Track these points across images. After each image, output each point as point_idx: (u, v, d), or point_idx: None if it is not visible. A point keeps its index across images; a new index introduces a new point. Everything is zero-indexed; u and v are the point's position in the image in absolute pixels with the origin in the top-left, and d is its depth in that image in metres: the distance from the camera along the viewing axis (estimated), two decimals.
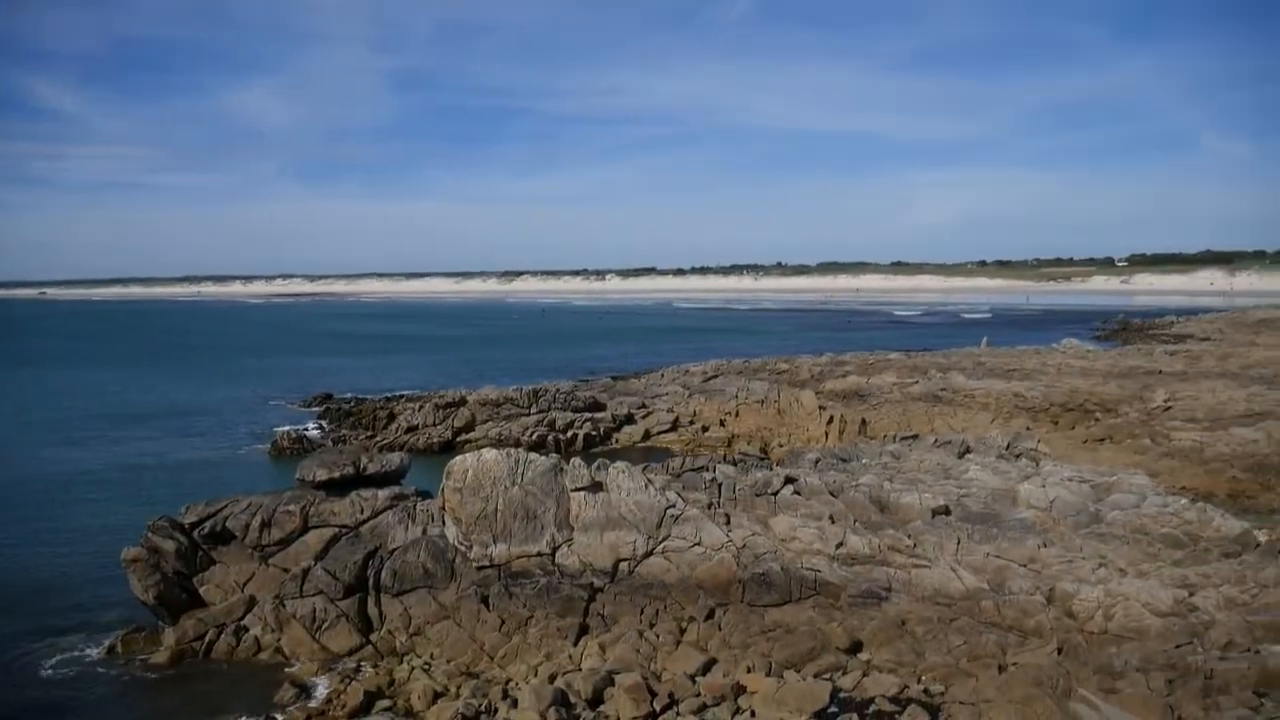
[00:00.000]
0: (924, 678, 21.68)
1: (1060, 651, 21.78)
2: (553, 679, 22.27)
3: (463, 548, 27.16)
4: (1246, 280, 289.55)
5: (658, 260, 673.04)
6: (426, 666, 24.08)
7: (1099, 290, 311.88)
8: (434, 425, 57.66)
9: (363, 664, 24.83)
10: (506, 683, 22.94)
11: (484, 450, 29.04)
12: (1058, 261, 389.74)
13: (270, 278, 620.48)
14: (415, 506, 29.02)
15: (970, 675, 21.18)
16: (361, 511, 28.74)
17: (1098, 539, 27.78)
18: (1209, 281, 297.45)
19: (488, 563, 26.83)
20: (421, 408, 59.91)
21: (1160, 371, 63.43)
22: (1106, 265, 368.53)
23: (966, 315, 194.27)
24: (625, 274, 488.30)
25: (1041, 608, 23.45)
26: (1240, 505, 36.87)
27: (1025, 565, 25.81)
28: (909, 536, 27.12)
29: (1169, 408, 50.43)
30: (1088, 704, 19.37)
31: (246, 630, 26.02)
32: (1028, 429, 48.67)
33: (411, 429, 57.70)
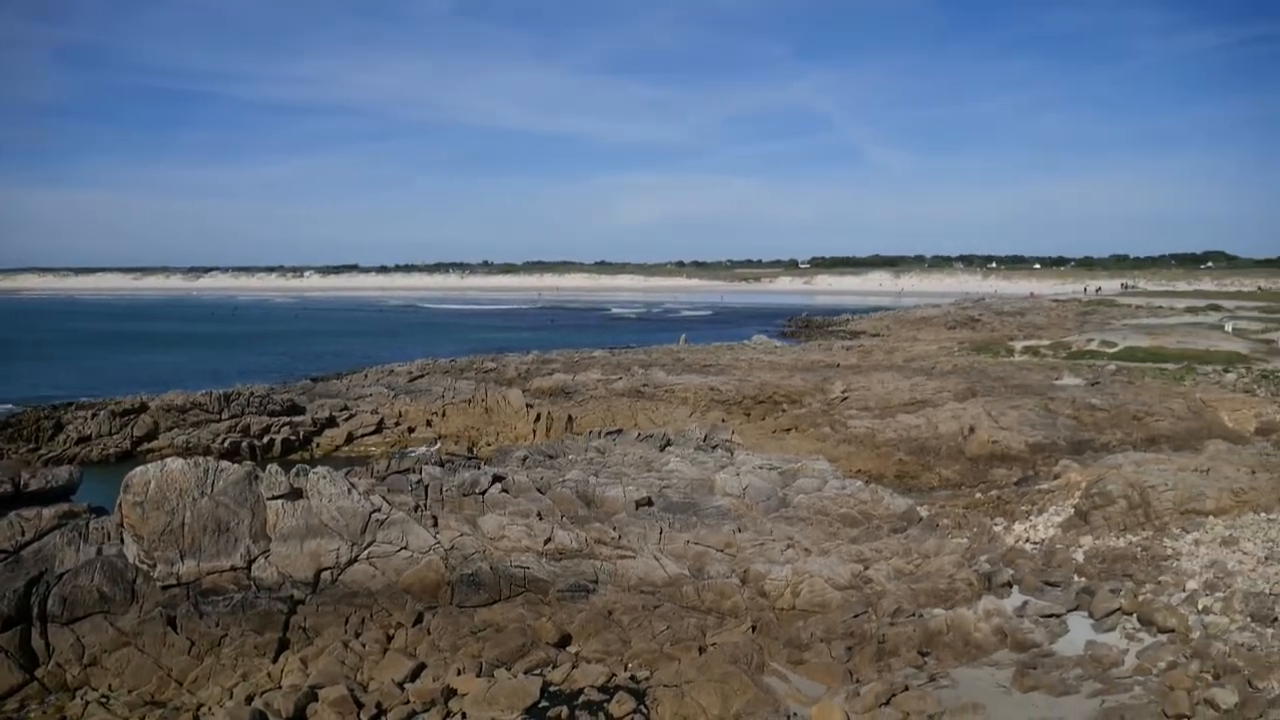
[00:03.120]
0: (630, 665, 22.38)
1: (754, 629, 23.25)
2: (250, 700, 21.00)
3: (145, 567, 25.02)
4: (909, 282, 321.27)
5: (360, 257, 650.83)
6: (104, 699, 21.94)
7: (785, 290, 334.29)
8: (110, 435, 52.69)
9: (27, 703, 22.20)
10: (198, 708, 21.37)
11: (168, 460, 26.90)
12: (748, 263, 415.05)
13: None
14: (88, 524, 26.36)
15: (673, 659, 22.11)
16: (22, 533, 25.74)
17: (786, 522, 29.91)
18: (879, 283, 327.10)
19: (174, 581, 24.87)
20: (95, 415, 54.49)
21: (838, 365, 68.93)
22: (791, 267, 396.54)
23: (687, 313, 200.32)
24: (325, 271, 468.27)
25: (737, 589, 24.90)
26: (905, 484, 40.86)
27: (722, 550, 27.34)
28: (614, 529, 27.95)
29: (846, 398, 55.04)
30: (779, 676, 20.82)
31: None
32: (723, 421, 51.56)
33: (83, 439, 52.41)
